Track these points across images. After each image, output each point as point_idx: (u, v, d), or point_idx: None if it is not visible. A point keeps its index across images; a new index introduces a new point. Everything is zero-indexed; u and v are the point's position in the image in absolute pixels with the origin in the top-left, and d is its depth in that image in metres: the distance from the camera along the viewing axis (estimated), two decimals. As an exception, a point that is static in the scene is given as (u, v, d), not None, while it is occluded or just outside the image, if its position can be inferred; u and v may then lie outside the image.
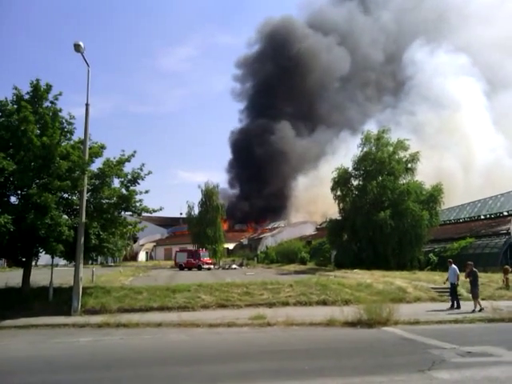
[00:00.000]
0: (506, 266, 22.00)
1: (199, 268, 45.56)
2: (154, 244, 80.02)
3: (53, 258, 18.69)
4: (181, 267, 46.69)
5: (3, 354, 10.89)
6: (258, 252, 57.98)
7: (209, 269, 45.38)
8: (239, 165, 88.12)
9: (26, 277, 19.03)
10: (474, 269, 17.40)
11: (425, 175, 36.97)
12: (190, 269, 45.19)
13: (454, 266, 17.58)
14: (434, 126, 62.77)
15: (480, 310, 15.82)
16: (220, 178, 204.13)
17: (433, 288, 20.18)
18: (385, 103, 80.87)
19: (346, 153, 44.02)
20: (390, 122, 66.39)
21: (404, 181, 35.50)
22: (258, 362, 9.55)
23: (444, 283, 18.29)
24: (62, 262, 23.98)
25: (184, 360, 9.82)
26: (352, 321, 13.69)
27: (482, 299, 17.15)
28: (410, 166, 35.64)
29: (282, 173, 77.71)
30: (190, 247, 59.51)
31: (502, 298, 18.77)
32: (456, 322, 14.18)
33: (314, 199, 64.62)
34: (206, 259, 48.70)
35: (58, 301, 17.24)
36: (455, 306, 16.68)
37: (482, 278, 22.69)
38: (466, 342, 10.81)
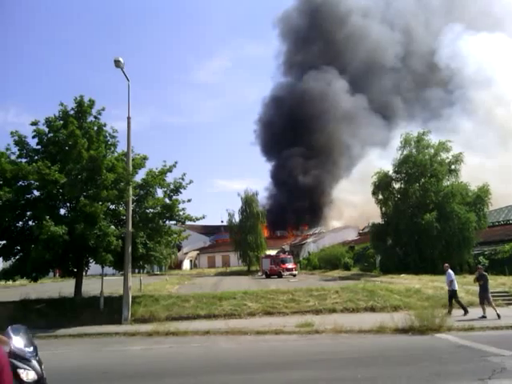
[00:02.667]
0: None
1: (279, 275, 41.59)
2: (198, 252, 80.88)
3: (103, 267, 19.16)
4: (266, 275, 43.21)
5: (58, 362, 11.19)
6: (301, 258, 57.57)
7: (293, 275, 41.61)
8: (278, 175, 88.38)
9: (78, 286, 19.69)
10: (484, 272, 16.52)
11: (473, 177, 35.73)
12: (269, 276, 41.83)
13: (450, 270, 16.73)
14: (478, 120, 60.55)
15: (482, 317, 14.96)
16: (257, 186, 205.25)
17: (486, 292, 19.39)
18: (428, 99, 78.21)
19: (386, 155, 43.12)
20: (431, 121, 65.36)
21: (448, 183, 34.49)
22: (308, 370, 9.44)
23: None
24: (110, 271, 24.63)
25: (235, 368, 9.83)
26: (403, 327, 13.35)
27: None
28: (453, 167, 34.58)
29: (322, 176, 77.17)
30: (233, 255, 59.78)
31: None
32: (513, 328, 13.58)
33: (355, 204, 63.76)
34: (287, 265, 43.93)
35: (109, 310, 17.68)
36: (464, 312, 15.87)
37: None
38: (526, 349, 10.33)
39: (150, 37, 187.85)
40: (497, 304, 17.92)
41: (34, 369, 5.51)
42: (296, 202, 77.14)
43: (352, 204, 65.65)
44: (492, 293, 19.19)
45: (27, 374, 5.43)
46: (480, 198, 33.32)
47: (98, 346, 13.24)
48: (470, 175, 35.36)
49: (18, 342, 5.57)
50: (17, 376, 5.28)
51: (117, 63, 17.44)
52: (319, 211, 76.41)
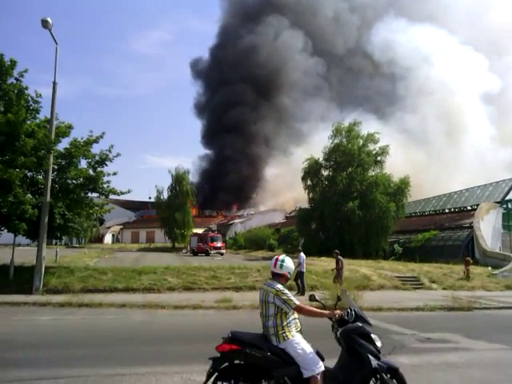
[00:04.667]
0: (468, 258, 22.70)
1: (207, 253, 41.93)
2: (121, 227, 78.89)
3: (15, 236, 18.18)
4: (194, 252, 43.72)
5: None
6: (227, 238, 57.94)
7: (221, 254, 42.18)
8: (211, 147, 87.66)
9: (-14, 254, 18.51)
10: (339, 257, 17.85)
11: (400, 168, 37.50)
12: (197, 254, 42.20)
13: (302, 254, 18.03)
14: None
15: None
16: (190, 164, 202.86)
17: (396, 277, 20.64)
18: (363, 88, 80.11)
19: (317, 143, 44.08)
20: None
21: (373, 173, 36.03)
22: (219, 341, 9.49)
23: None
24: (25, 241, 23.39)
25: (147, 340, 9.70)
26: (317, 306, 13.79)
27: (444, 289, 17.64)
28: (379, 158, 36.18)
29: (254, 159, 77.61)
30: (159, 231, 58.87)
31: (463, 288, 19.37)
32: (417, 309, 14.51)
33: (283, 188, 64.96)
34: (215, 243, 44.46)
35: (19, 279, 16.85)
36: (300, 291, 17.00)
37: (444, 268, 23.46)
38: (425, 329, 11.06)
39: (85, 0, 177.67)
40: (405, 288, 19.20)
41: None
42: (227, 183, 77.09)
43: (282, 187, 66.81)
44: (402, 277, 20.56)
45: None
46: (400, 189, 35.15)
47: (4, 315, 12.53)
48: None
49: None
50: None
51: (44, 23, 16.58)
52: (250, 192, 77.12)
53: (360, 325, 4.95)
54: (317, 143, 42.91)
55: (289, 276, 5.00)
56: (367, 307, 14.15)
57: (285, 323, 4.73)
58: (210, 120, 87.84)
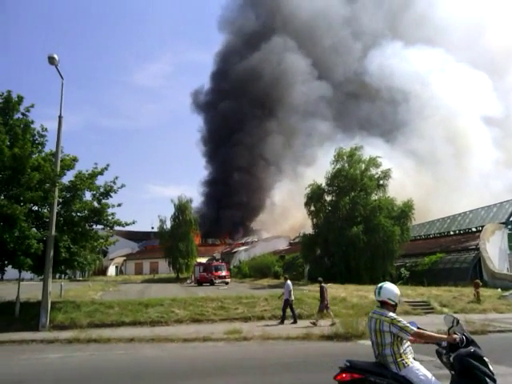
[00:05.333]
0: (477, 280, 22.40)
1: (211, 283, 41.23)
2: (125, 258, 78.45)
3: (20, 272, 18.01)
4: (198, 282, 43.16)
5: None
6: (231, 266, 57.53)
7: (226, 283, 41.25)
8: (213, 180, 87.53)
9: (-9, 291, 18.33)
10: (323, 284, 17.65)
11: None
12: (202, 284, 41.86)
13: (288, 282, 17.82)
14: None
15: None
16: (192, 193, 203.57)
17: (406, 301, 20.35)
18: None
19: (318, 169, 44.13)
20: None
21: (376, 197, 35.99)
22: (235, 376, 9.35)
23: (279, 298, 18.35)
24: (28, 275, 23.22)
25: (159, 375, 9.52)
26: (328, 334, 13.64)
27: (455, 312, 17.36)
28: (381, 182, 36.19)
29: (256, 187, 77.70)
30: (162, 262, 58.53)
31: (474, 311, 19.06)
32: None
33: (287, 214, 64.80)
34: (220, 272, 43.50)
35: (25, 316, 16.62)
36: (289, 320, 16.84)
37: (454, 292, 23.17)
38: (441, 355, 10.83)
39: (88, 35, 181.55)
40: (416, 313, 18.91)
41: None
42: (231, 210, 76.99)
43: (286, 214, 66.67)
44: (412, 302, 20.28)
45: None
46: (404, 212, 34.96)
47: (12, 353, 12.33)
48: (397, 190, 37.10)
49: None
50: None
51: (51, 60, 16.80)
52: (253, 220, 76.93)
53: (473, 349, 4.97)
54: (321, 166, 42.78)
55: (391, 303, 5.04)
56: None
57: (401, 350, 4.85)
58: (213, 143, 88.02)
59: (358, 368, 4.85)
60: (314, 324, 16.09)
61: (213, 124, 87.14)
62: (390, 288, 5.10)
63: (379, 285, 5.18)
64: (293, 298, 17.35)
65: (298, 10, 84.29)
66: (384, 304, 5.04)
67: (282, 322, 16.68)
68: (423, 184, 53.59)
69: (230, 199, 77.44)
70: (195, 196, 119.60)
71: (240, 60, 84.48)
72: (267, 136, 78.76)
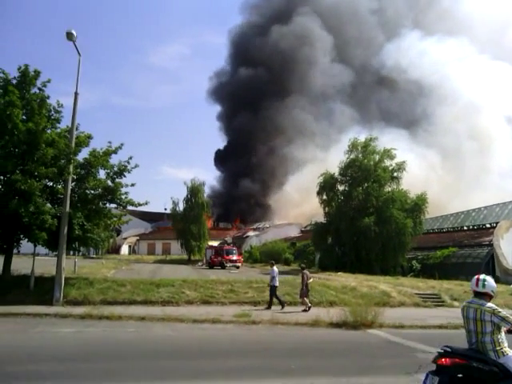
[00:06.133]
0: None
1: (222, 266, 41.07)
2: (138, 238, 79.19)
3: (35, 246, 18.28)
4: (210, 265, 43.11)
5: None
6: (242, 251, 57.81)
7: (237, 267, 41.15)
8: (228, 161, 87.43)
9: (7, 264, 18.68)
10: (305, 271, 17.66)
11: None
12: (213, 267, 41.54)
13: (274, 268, 17.60)
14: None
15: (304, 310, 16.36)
16: (206, 176, 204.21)
17: (416, 294, 20.30)
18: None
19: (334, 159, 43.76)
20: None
21: (389, 189, 35.73)
22: (242, 359, 9.45)
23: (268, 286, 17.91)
24: (43, 251, 23.56)
25: (168, 354, 9.67)
26: (337, 322, 13.67)
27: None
28: (395, 174, 35.88)
29: (272, 173, 77.49)
30: (175, 243, 58.99)
31: (485, 306, 18.91)
32: (440, 327, 14.21)
33: (300, 202, 64.61)
34: (231, 256, 43.66)
35: (40, 290, 16.88)
36: (276, 305, 16.76)
37: (465, 286, 23.00)
38: (451, 348, 10.81)
39: (106, 15, 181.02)
40: (426, 305, 18.86)
41: None
42: (244, 194, 76.99)
43: (298, 201, 66.42)
44: (422, 295, 20.23)
45: None
46: (418, 205, 34.69)
47: (25, 326, 12.58)
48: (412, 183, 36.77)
49: None
50: None
51: (69, 36, 16.76)
52: (266, 205, 76.86)
53: None
54: (335, 158, 42.47)
55: (492, 294, 5.25)
56: (388, 324, 13.97)
57: (500, 340, 5.07)
58: (232, 111, 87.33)
59: (459, 353, 5.02)
60: (306, 310, 16.37)
61: (232, 91, 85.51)
62: (492, 281, 5.30)
63: (481, 277, 5.28)
64: (277, 284, 17.15)
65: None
66: (483, 295, 5.21)
67: (282, 308, 16.60)
68: (442, 178, 53.03)
69: (243, 183, 77.29)
70: (208, 179, 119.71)
71: (260, 36, 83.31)
72: (288, 111, 77.74)
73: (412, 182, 36.51)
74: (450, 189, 52.41)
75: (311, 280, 18.01)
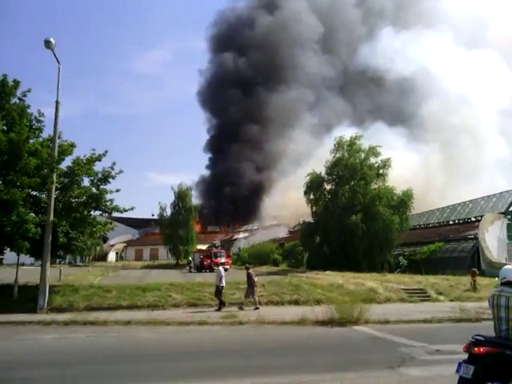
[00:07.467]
0: (474, 269, 22.49)
1: (211, 269, 40.70)
2: (125, 245, 78.75)
3: (18, 255, 18.12)
4: (198, 269, 43.32)
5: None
6: (231, 253, 57.72)
7: (225, 270, 41.97)
8: (214, 165, 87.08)
9: (-10, 274, 18.45)
10: (250, 271, 17.94)
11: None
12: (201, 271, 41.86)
13: (220, 268, 18.11)
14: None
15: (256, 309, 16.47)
16: (192, 181, 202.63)
17: (402, 289, 20.45)
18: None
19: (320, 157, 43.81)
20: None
21: (375, 186, 35.97)
22: (228, 359, 9.44)
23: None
24: (28, 260, 23.35)
25: (151, 357, 9.58)
26: (323, 320, 13.70)
27: (451, 300, 17.47)
28: (381, 171, 36.12)
29: (256, 175, 77.43)
30: (162, 248, 58.74)
31: (470, 299, 19.13)
32: (425, 321, 14.33)
33: (287, 202, 64.61)
34: (219, 259, 42.99)
35: (24, 299, 16.71)
36: (221, 307, 16.81)
37: (451, 280, 23.27)
38: (434, 341, 10.88)
39: (86, 22, 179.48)
40: (412, 300, 19.02)
41: None
42: (231, 196, 76.65)
43: (286, 202, 66.41)
44: (408, 290, 20.40)
45: None
46: (404, 201, 34.94)
47: (8, 334, 12.44)
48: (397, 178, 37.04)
49: None
50: None
51: (47, 44, 16.72)
52: (254, 209, 76.72)
53: None
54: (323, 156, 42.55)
55: None
56: (374, 320, 14.03)
57: None
58: (217, 128, 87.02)
59: (492, 342, 5.09)
60: (241, 308, 16.61)
61: (216, 77, 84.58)
62: None
63: (510, 267, 5.55)
64: (223, 284, 17.24)
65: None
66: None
67: (219, 309, 16.53)
68: (434, 173, 53.37)
69: (230, 185, 77.02)
70: (196, 182, 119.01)
71: (243, 25, 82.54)
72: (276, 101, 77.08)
73: (399, 178, 36.75)
74: (445, 183, 52.76)
75: (257, 279, 18.15)
